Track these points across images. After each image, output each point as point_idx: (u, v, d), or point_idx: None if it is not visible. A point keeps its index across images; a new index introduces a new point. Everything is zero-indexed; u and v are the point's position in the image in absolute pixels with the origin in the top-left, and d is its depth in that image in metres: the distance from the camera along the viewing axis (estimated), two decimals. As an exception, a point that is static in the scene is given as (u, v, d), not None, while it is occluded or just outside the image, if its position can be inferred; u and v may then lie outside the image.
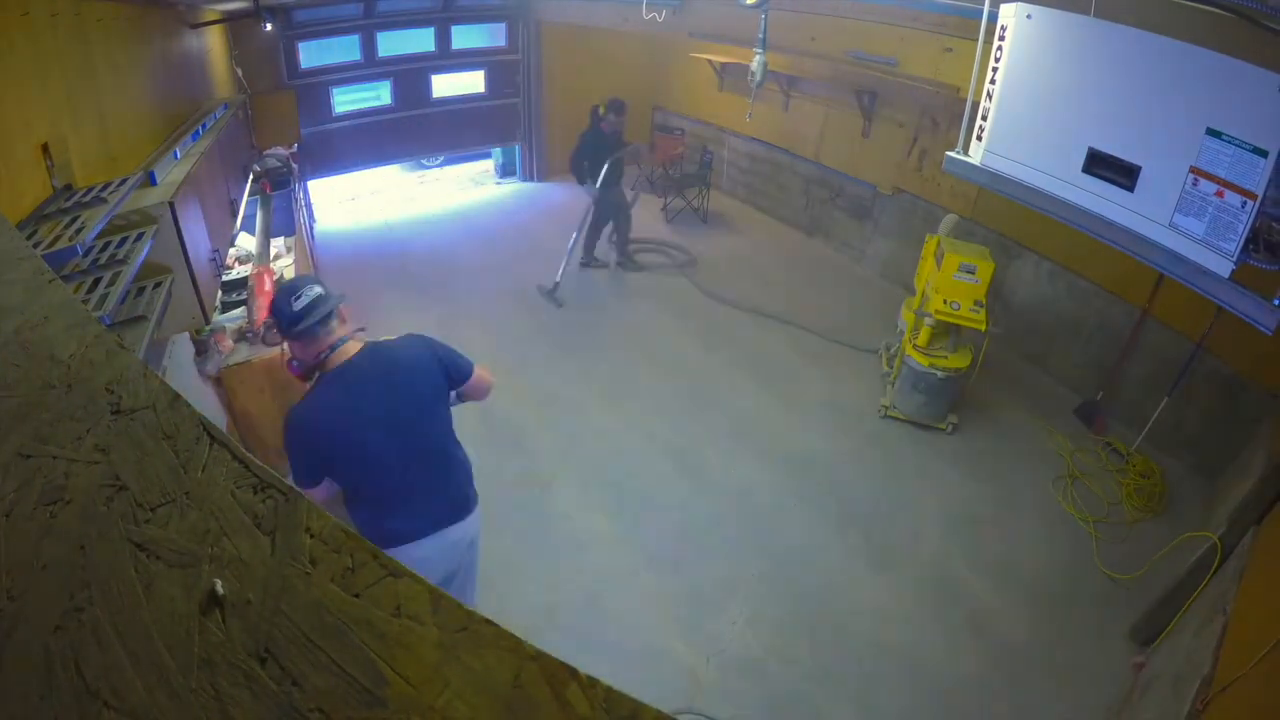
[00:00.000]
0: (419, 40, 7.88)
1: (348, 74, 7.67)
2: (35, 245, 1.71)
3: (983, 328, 4.33)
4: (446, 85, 8.32)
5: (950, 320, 4.35)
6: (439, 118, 8.37)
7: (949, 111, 5.60)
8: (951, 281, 4.34)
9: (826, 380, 5.12)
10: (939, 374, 4.47)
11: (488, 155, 9.56)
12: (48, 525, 0.66)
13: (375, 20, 7.43)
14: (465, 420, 2.56)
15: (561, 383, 5.06)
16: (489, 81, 8.54)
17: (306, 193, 7.00)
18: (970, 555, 3.71)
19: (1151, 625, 3.13)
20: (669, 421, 4.66)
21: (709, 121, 8.71)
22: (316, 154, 7.62)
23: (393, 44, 7.74)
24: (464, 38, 8.15)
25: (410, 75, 7.99)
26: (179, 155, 3.17)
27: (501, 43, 8.40)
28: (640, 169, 8.05)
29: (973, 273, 4.34)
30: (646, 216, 7.56)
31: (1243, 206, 2.19)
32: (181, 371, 3.37)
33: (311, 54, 7.35)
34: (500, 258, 7.03)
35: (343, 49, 7.53)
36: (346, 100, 7.80)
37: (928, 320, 4.36)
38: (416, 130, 8.27)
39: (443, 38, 7.96)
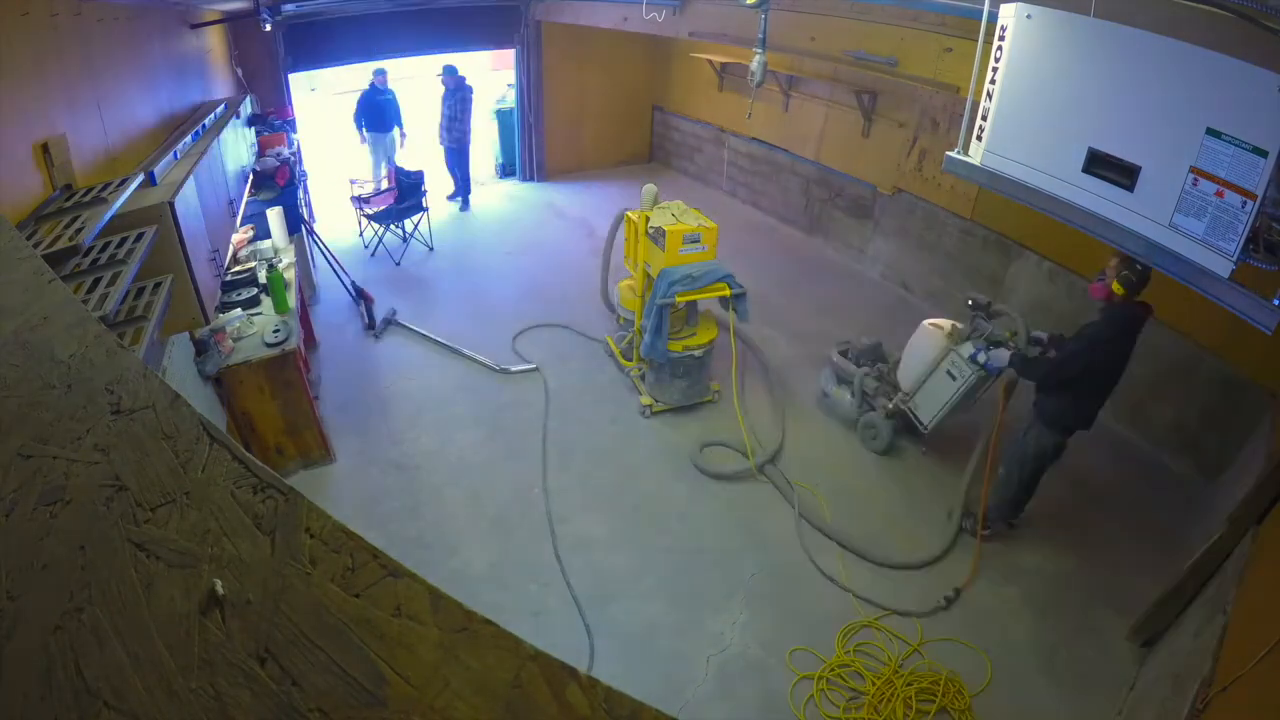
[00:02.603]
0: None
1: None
2: (35, 245, 1.71)
3: (726, 293, 4.24)
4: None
5: (694, 297, 4.27)
6: (436, 14, 7.61)
7: (949, 111, 5.60)
8: (680, 258, 4.24)
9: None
10: (697, 353, 4.41)
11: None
12: (48, 525, 0.66)
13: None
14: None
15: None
16: None
17: (306, 192, 7.00)
18: (969, 554, 3.71)
19: (1151, 625, 3.13)
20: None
21: (709, 122, 8.72)
22: (303, 41, 6.91)
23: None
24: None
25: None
26: (179, 155, 3.17)
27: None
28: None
29: (698, 241, 4.23)
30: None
31: (1243, 206, 2.19)
32: (181, 371, 3.37)
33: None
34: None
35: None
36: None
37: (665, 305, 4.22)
38: (411, 26, 7.53)
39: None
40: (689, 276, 4.23)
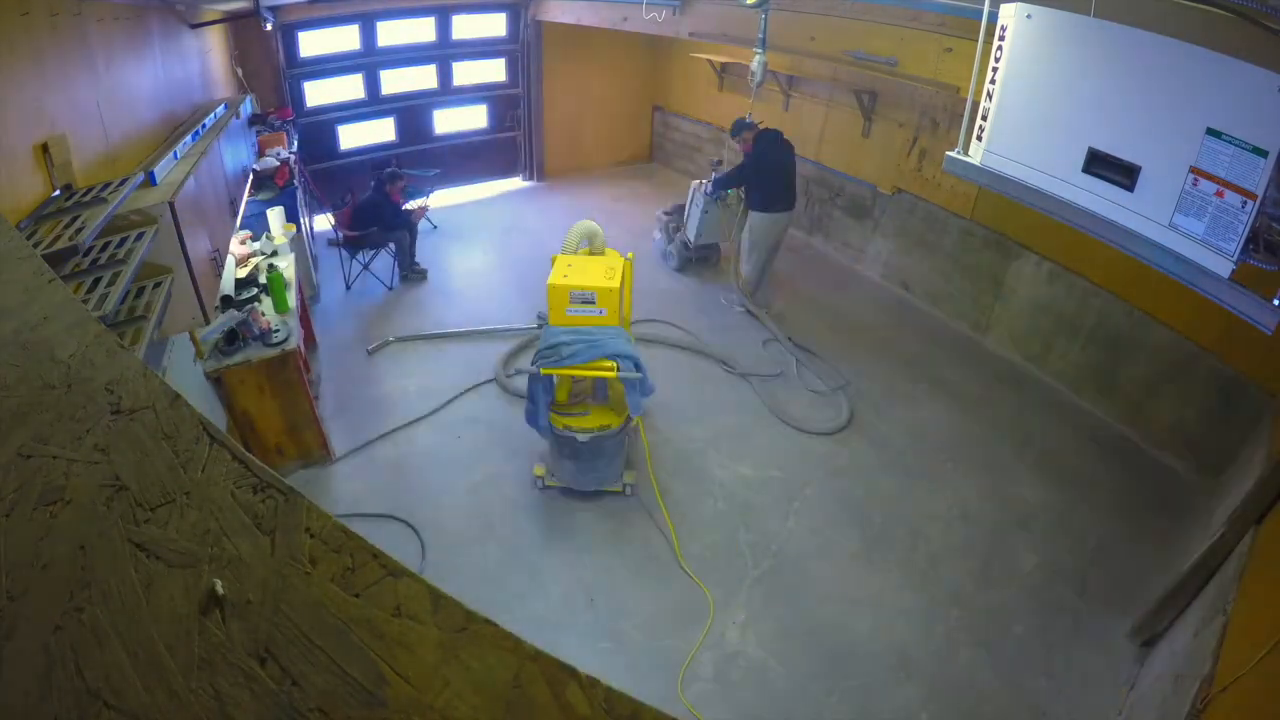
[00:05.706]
0: (421, 77, 8.14)
1: (352, 111, 7.92)
2: (35, 245, 1.71)
3: (610, 374, 3.50)
4: (448, 121, 8.54)
5: (562, 373, 3.55)
6: (442, 152, 8.53)
7: (949, 111, 5.60)
8: (567, 320, 3.56)
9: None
10: (581, 437, 3.64)
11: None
12: (48, 525, 0.66)
13: (377, 58, 7.70)
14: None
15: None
16: (490, 116, 8.79)
17: (306, 193, 7.00)
18: (969, 554, 3.71)
19: (1151, 625, 3.13)
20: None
21: (709, 121, 8.71)
22: (327, 188, 7.82)
23: (395, 81, 7.99)
24: (465, 74, 8.35)
25: (413, 112, 8.22)
26: (179, 155, 3.17)
27: (502, 77, 8.62)
28: None
29: (591, 302, 3.49)
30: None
31: (1243, 206, 2.19)
32: (181, 371, 3.37)
33: (316, 92, 7.61)
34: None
35: (346, 87, 7.79)
36: (352, 136, 8.01)
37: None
38: (421, 164, 8.40)
39: (444, 73, 8.23)
40: (556, 347, 3.50)
